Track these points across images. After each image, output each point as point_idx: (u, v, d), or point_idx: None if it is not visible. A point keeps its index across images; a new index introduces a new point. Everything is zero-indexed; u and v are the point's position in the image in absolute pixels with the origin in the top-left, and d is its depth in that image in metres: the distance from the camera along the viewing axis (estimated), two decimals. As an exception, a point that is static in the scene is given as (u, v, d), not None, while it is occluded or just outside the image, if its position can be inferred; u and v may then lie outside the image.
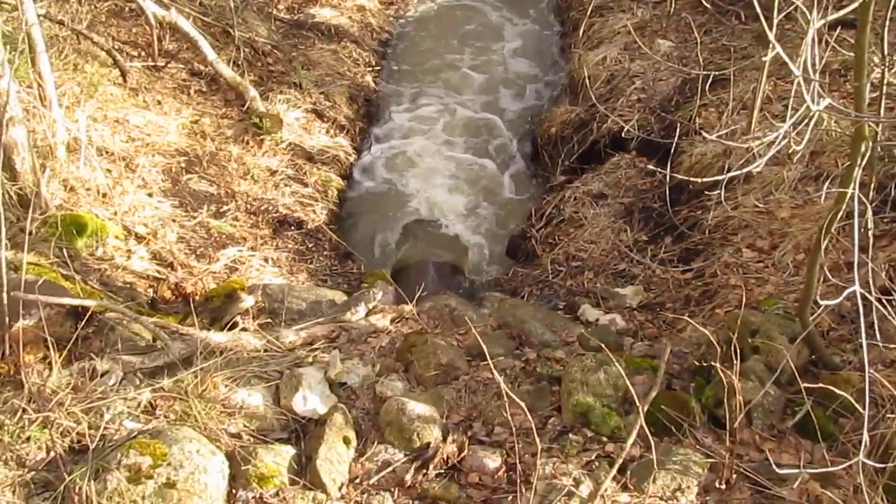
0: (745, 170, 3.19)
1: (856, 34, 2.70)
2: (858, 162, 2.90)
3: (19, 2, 5.22)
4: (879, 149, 4.49)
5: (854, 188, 2.86)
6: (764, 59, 4.20)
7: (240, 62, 7.93)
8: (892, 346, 3.55)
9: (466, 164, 8.01)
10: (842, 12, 2.65)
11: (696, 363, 3.92)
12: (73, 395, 3.53)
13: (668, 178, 5.73)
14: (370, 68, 9.28)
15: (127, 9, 8.07)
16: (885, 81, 4.39)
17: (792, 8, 5.48)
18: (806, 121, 2.48)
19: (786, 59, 2.15)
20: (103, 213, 5.55)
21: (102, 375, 3.71)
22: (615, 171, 6.77)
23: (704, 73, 6.36)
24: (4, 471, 3.19)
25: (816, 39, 2.86)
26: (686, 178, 4.68)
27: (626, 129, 6.60)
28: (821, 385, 3.19)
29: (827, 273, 3.92)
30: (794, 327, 3.97)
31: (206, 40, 7.57)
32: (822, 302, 3.01)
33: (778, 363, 3.60)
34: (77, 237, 5.10)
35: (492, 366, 3.31)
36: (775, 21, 5.62)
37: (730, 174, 3.65)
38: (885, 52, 3.71)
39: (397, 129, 8.57)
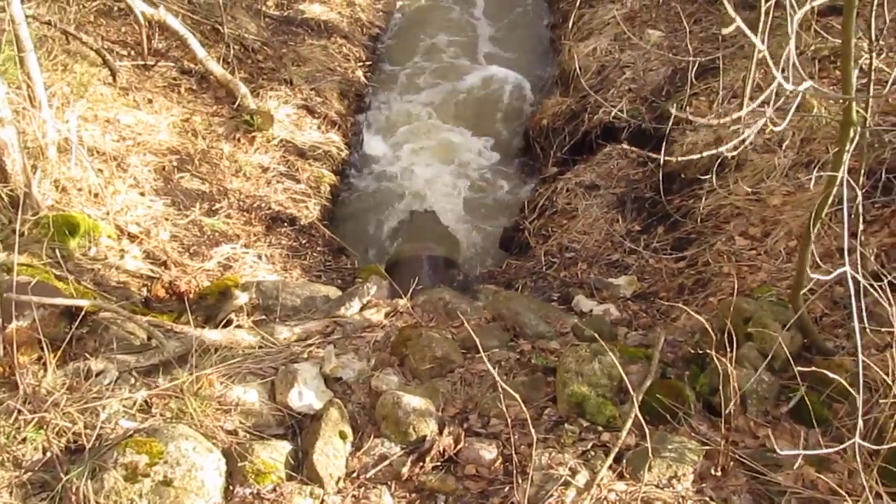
0: (720, 149, 3.19)
1: (843, 18, 2.71)
2: (847, 147, 2.91)
3: (6, 2, 5.20)
4: (868, 134, 4.50)
5: (843, 172, 2.87)
6: (760, 51, 4.20)
7: (230, 59, 7.91)
8: (884, 329, 3.56)
9: (458, 158, 8.01)
10: (827, -2, 2.66)
11: (691, 351, 3.93)
12: (68, 396, 3.53)
13: (660, 166, 5.76)
14: (361, 63, 9.26)
15: (115, 8, 8.04)
16: (873, 66, 4.41)
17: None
18: (790, 104, 2.48)
19: (765, 52, 2.15)
20: (95, 212, 5.54)
21: (97, 375, 3.71)
22: (607, 162, 6.78)
23: (693, 59, 6.36)
24: (1, 472, 3.19)
25: (805, 26, 2.88)
26: (674, 159, 4.68)
27: (614, 114, 6.60)
28: (814, 370, 3.20)
29: (818, 259, 3.93)
30: (787, 314, 3.98)
31: (196, 38, 7.55)
32: (812, 275, 3.02)
33: (771, 349, 3.61)
34: (69, 237, 5.09)
35: (485, 358, 3.32)
36: (763, 8, 5.63)
37: (707, 153, 3.63)
38: (873, 38, 3.72)
39: (389, 123, 8.56)
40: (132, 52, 7.67)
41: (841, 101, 2.83)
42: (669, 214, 5.92)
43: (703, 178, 5.85)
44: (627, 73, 7.84)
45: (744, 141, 3.21)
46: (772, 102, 2.52)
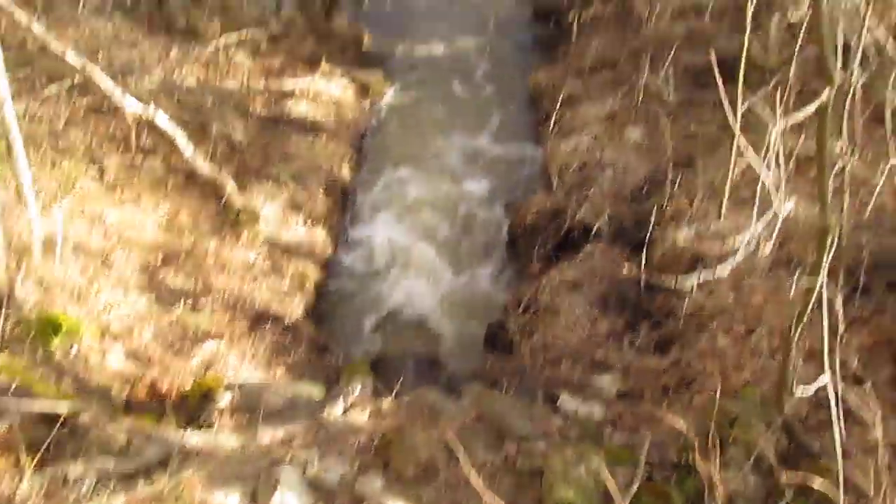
0: (707, 274, 3.25)
1: (816, 133, 2.80)
2: (825, 255, 2.97)
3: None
4: (845, 239, 4.58)
5: (822, 278, 2.92)
6: (740, 148, 4.31)
7: (217, 157, 8.00)
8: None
9: (443, 254, 8.06)
10: (801, 114, 2.75)
11: (675, 460, 3.91)
12: (45, 503, 3.46)
13: (642, 266, 5.82)
14: (346, 160, 9.38)
15: (105, 105, 8.15)
16: (848, 170, 4.52)
17: (757, 97, 5.66)
18: (772, 219, 2.54)
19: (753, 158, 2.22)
20: (78, 311, 5.52)
21: (75, 482, 3.64)
22: (590, 260, 6.83)
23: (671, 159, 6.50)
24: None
25: (781, 132, 2.98)
26: (659, 272, 4.74)
27: (597, 226, 6.72)
28: (801, 473, 3.19)
29: (802, 360, 3.96)
30: (773, 415, 3.99)
31: (184, 135, 7.64)
32: (795, 394, 3.03)
33: (758, 452, 3.60)
34: (52, 337, 5.06)
35: (469, 469, 3.29)
36: (739, 112, 5.79)
37: (698, 275, 3.70)
38: (845, 147, 3.83)
39: (373, 219, 8.63)
40: (120, 149, 7.75)
41: (819, 209, 2.90)
42: (653, 312, 5.95)
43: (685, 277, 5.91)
44: (609, 171, 7.98)
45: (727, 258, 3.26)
46: (754, 219, 2.58)
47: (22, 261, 5.46)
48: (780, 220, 2.42)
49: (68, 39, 8.64)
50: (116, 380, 5.07)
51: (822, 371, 3.18)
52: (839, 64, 2.75)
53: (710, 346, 5.34)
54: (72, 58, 7.27)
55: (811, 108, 2.45)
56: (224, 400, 4.64)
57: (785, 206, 2.36)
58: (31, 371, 4.54)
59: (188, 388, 4.92)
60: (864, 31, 4.24)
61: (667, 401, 5.04)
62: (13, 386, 4.05)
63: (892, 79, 4.33)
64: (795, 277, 4.83)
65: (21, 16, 7.01)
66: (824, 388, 4.35)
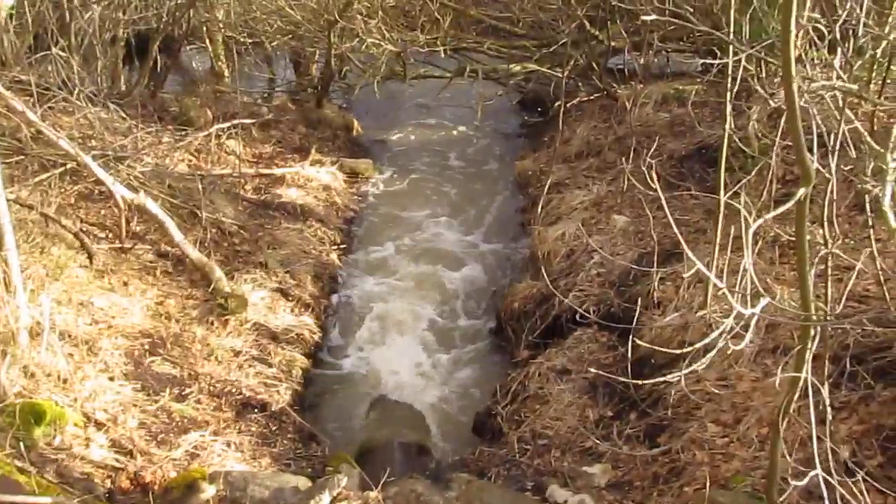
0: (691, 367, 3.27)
1: (795, 229, 2.86)
2: (808, 345, 3.00)
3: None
4: (828, 329, 4.62)
5: (806, 371, 2.94)
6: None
7: (206, 243, 8.06)
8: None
9: (431, 340, 8.06)
10: (779, 210, 2.81)
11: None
12: None
13: (628, 354, 5.83)
14: (335, 246, 9.46)
15: (97, 191, 8.24)
16: (830, 260, 4.59)
17: (738, 186, 5.77)
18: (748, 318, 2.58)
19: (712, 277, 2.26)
20: (63, 399, 5.46)
21: (55, 578, 3.56)
22: (578, 346, 6.85)
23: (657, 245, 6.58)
24: None
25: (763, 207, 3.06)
26: (646, 359, 4.75)
27: (582, 311, 6.75)
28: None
29: (791, 449, 3.95)
30: (763, 507, 3.96)
31: (174, 221, 7.71)
32: (785, 490, 3.03)
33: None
34: (35, 426, 5.00)
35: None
36: (722, 200, 5.90)
37: (682, 372, 3.72)
38: (826, 236, 3.91)
39: (362, 306, 8.65)
40: (110, 235, 7.81)
41: (801, 302, 2.94)
42: (640, 400, 5.94)
43: (673, 364, 5.92)
44: (596, 256, 8.05)
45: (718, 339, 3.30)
46: (732, 315, 2.62)
47: (7, 349, 5.42)
48: (756, 317, 2.46)
49: (62, 126, 8.79)
50: (100, 470, 5.00)
51: (811, 461, 3.18)
52: (815, 161, 2.83)
53: (699, 434, 5.32)
54: (65, 145, 7.39)
55: (788, 205, 2.51)
56: (209, 492, 4.57)
57: (761, 302, 2.40)
58: (11, 463, 4.48)
59: (172, 479, 4.85)
60: (842, 124, 4.38)
61: (657, 491, 5.00)
62: (-6, 478, 3.99)
63: (869, 167, 4.43)
64: (781, 367, 4.88)
65: (17, 103, 7.15)
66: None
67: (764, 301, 2.42)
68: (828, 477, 2.87)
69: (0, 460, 4.45)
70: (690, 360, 5.76)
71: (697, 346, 3.08)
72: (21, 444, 4.77)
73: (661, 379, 4.76)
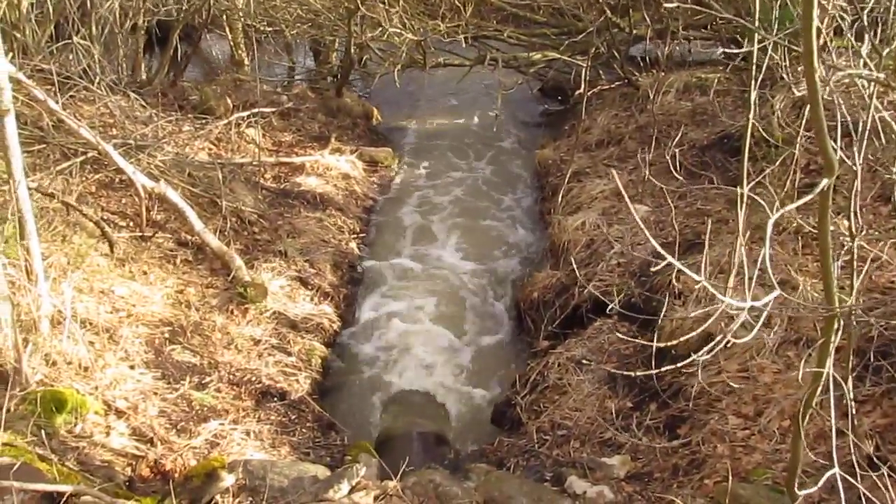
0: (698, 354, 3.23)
1: (818, 220, 2.81)
2: (832, 338, 2.95)
3: (10, 176, 5.33)
4: (854, 321, 4.55)
5: (829, 367, 2.90)
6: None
7: (226, 231, 8.08)
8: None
9: (450, 329, 8.05)
10: (801, 201, 2.77)
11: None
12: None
13: (652, 344, 5.77)
14: (355, 235, 9.46)
15: (117, 180, 8.28)
16: (854, 251, 4.52)
17: (762, 176, 5.70)
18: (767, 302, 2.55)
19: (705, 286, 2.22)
20: (84, 387, 5.50)
21: (75, 566, 3.59)
22: (598, 337, 6.81)
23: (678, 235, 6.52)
24: None
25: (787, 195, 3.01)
26: (667, 350, 4.71)
27: (604, 300, 6.70)
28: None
29: (812, 442, 3.91)
30: (785, 500, 3.93)
31: (194, 210, 7.73)
32: (798, 493, 2.99)
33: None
34: (56, 414, 5.04)
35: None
36: (745, 190, 5.81)
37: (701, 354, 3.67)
38: (851, 227, 3.84)
39: (381, 295, 8.65)
40: (131, 224, 7.84)
41: (824, 294, 2.89)
42: (661, 391, 5.90)
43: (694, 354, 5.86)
44: (616, 246, 8.00)
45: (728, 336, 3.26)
46: (747, 302, 2.58)
47: (29, 337, 5.46)
48: (767, 308, 2.42)
49: (83, 115, 8.83)
50: (120, 458, 5.03)
51: (829, 463, 3.14)
52: (839, 151, 2.78)
53: (720, 427, 5.27)
54: (86, 133, 7.42)
55: (811, 196, 2.47)
56: (228, 481, 4.58)
57: (772, 294, 2.36)
58: (33, 451, 4.51)
59: (192, 467, 4.87)
60: (870, 113, 4.30)
61: (676, 483, 4.96)
62: (16, 465, 4.01)
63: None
64: (804, 359, 4.82)
65: (38, 92, 7.18)
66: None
67: (774, 293, 2.38)
68: (846, 476, 2.83)
69: (22, 448, 4.48)
70: (709, 351, 5.74)
71: (718, 339, 3.02)
72: (42, 431, 4.80)
73: (675, 366, 4.70)
